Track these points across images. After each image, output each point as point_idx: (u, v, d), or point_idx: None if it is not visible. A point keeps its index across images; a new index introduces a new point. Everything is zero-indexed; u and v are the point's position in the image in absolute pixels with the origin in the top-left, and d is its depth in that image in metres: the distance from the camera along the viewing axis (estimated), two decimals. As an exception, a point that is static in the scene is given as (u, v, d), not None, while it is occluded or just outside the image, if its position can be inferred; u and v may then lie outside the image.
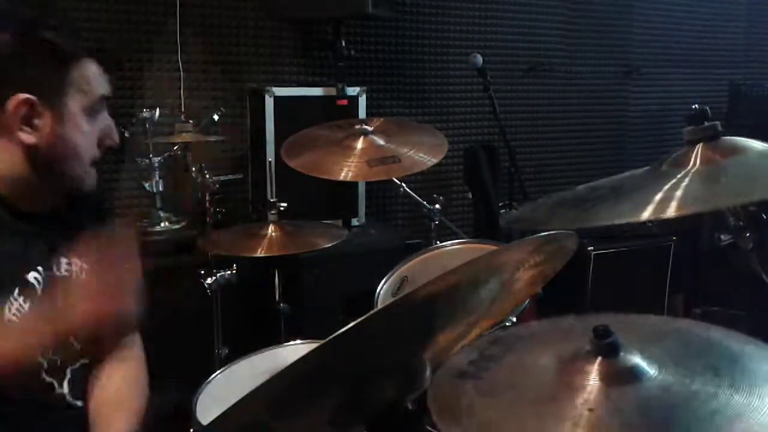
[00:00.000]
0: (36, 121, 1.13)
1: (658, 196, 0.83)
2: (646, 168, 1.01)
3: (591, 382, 0.76)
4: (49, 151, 1.15)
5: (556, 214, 0.99)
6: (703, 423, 0.71)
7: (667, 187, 0.86)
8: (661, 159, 0.97)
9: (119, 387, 1.31)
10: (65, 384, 1.26)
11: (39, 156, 1.15)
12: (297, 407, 0.71)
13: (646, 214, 0.81)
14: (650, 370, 0.78)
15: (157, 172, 2.49)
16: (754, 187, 0.83)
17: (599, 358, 0.78)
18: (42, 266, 1.20)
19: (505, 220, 1.29)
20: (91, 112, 1.19)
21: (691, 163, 0.91)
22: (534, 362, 0.85)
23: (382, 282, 1.85)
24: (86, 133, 1.19)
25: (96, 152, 1.23)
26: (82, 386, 1.30)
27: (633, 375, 0.77)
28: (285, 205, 2.04)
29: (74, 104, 1.16)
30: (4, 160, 1.15)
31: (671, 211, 0.79)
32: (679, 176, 0.88)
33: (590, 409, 0.73)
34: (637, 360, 0.79)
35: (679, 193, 0.83)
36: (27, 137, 1.13)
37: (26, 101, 1.11)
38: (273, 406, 0.68)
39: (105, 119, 1.24)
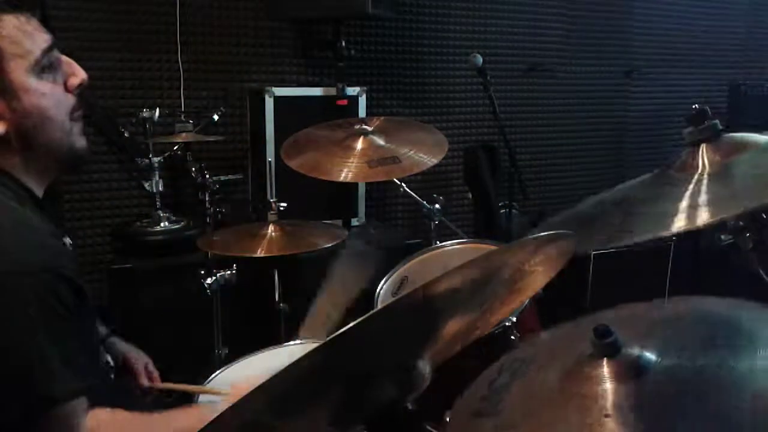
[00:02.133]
0: None
1: (684, 205, 0.83)
2: (652, 174, 1.00)
3: (601, 386, 0.76)
4: (22, 130, 1.10)
5: (583, 238, 0.96)
6: (717, 395, 0.71)
7: (687, 195, 0.85)
8: (667, 163, 0.97)
9: None
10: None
11: (16, 139, 1.10)
12: (297, 406, 0.71)
13: (678, 226, 0.80)
14: (653, 358, 0.78)
15: (157, 172, 2.48)
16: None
17: (604, 359, 0.78)
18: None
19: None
20: (41, 70, 1.10)
21: (700, 166, 0.91)
22: (542, 381, 0.84)
23: (382, 282, 1.85)
24: (47, 93, 1.11)
25: (70, 101, 1.15)
26: None
27: (639, 368, 0.77)
28: (285, 205, 2.04)
29: (17, 73, 1.07)
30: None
31: (702, 220, 0.78)
32: (694, 182, 0.88)
33: (607, 415, 0.73)
34: (639, 352, 0.78)
35: (702, 198, 0.83)
36: None
37: None
38: (273, 405, 0.67)
39: (61, 65, 1.14)
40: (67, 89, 1.15)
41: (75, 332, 1.05)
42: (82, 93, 1.19)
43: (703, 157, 0.91)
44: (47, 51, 1.11)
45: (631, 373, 0.76)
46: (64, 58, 1.16)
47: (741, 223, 1.04)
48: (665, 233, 0.82)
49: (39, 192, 1.18)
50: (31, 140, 1.12)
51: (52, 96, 1.12)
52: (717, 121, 0.95)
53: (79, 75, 1.17)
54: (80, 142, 1.19)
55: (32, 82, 1.09)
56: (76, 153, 1.18)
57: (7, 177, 1.12)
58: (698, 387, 0.73)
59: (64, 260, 1.07)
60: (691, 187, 0.86)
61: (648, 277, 2.98)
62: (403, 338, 0.76)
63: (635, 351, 0.78)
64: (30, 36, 1.09)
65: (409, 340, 0.77)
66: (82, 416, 1.03)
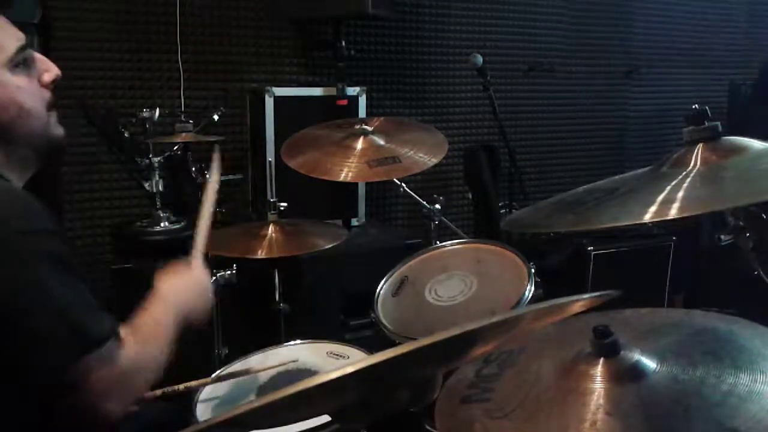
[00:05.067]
0: None
1: (660, 198, 0.83)
2: (646, 168, 1.01)
3: (598, 384, 0.76)
4: (0, 123, 1.11)
5: (556, 216, 0.98)
6: (719, 407, 0.71)
7: (668, 188, 0.86)
8: (662, 159, 0.97)
9: None
10: None
11: None
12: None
13: (648, 216, 0.80)
14: (653, 364, 0.78)
15: (157, 172, 2.48)
16: (756, 188, 0.82)
17: (602, 359, 0.78)
18: None
19: (505, 222, 1.29)
20: (15, 65, 1.12)
21: (692, 163, 0.91)
22: (536, 373, 0.84)
23: (382, 282, 1.85)
24: (24, 87, 1.13)
25: (45, 94, 1.18)
26: None
27: (638, 371, 0.77)
28: (285, 205, 2.04)
29: None
30: None
31: (673, 213, 0.78)
32: (680, 177, 0.88)
33: (608, 413, 0.73)
34: (638, 356, 0.78)
35: (680, 194, 0.83)
36: None
37: None
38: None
39: (34, 62, 1.17)
40: (41, 85, 1.17)
41: (81, 282, 1.08)
42: (57, 87, 1.20)
43: (698, 156, 0.91)
44: (21, 49, 1.13)
45: (629, 375, 0.76)
46: (37, 55, 1.18)
47: (741, 223, 1.04)
48: (632, 223, 0.83)
49: (19, 185, 1.19)
50: (9, 133, 1.13)
51: (28, 90, 1.14)
52: (718, 123, 0.95)
53: (52, 71, 1.19)
54: (57, 130, 1.21)
55: (7, 76, 1.11)
56: (54, 142, 1.21)
57: None
58: (700, 395, 0.73)
59: (53, 220, 1.10)
60: (675, 182, 0.86)
61: (648, 277, 2.98)
62: (435, 357, 0.75)
63: (635, 355, 0.78)
64: (4, 32, 1.12)
65: (440, 358, 0.77)
66: (119, 350, 1.06)
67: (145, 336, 1.16)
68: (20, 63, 1.13)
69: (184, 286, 1.32)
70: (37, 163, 1.21)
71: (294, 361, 1.64)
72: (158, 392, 1.43)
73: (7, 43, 1.11)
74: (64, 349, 1.00)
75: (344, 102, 2.75)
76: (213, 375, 1.60)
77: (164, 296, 1.26)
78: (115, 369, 1.05)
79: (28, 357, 1.00)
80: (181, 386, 1.49)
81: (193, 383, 1.52)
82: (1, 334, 0.97)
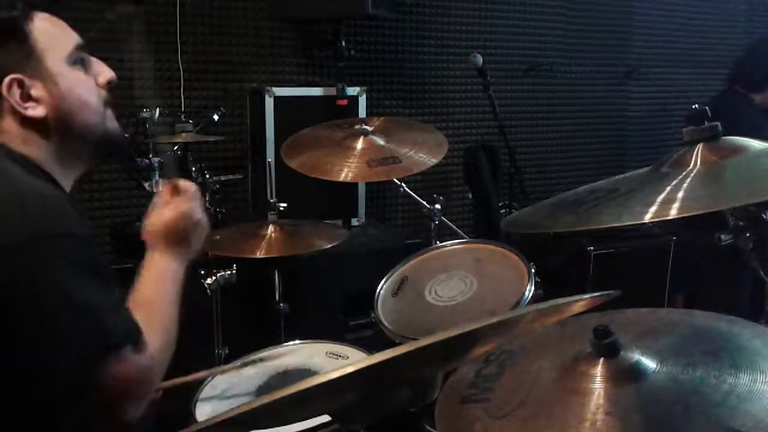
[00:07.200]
0: (33, 93, 1.12)
1: (660, 198, 0.83)
2: (646, 168, 1.01)
3: (598, 384, 0.76)
4: (60, 113, 1.15)
5: (556, 217, 0.98)
6: (719, 406, 0.71)
7: (668, 188, 0.86)
8: (662, 159, 0.97)
9: None
10: None
11: (54, 123, 1.15)
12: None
13: (648, 216, 0.80)
14: (653, 364, 0.78)
15: (157, 172, 2.48)
16: (755, 188, 0.83)
17: (601, 359, 0.78)
18: None
19: (505, 222, 1.29)
20: (75, 61, 1.18)
21: (692, 163, 0.91)
22: (536, 373, 0.84)
23: (382, 282, 1.85)
24: (82, 81, 1.18)
25: (102, 93, 1.22)
26: None
27: (638, 371, 0.77)
28: (285, 205, 2.04)
29: (54, 62, 1.14)
30: (31, 148, 1.14)
31: (673, 213, 0.79)
32: (680, 177, 0.88)
33: (608, 413, 0.73)
34: (638, 356, 0.78)
35: (680, 194, 0.83)
36: (34, 111, 1.13)
37: (12, 81, 1.10)
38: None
39: (92, 63, 1.23)
40: (97, 84, 1.22)
41: (108, 285, 1.09)
42: (113, 89, 1.25)
43: (698, 156, 0.91)
44: (79, 47, 1.19)
45: (629, 375, 0.76)
46: (93, 58, 1.24)
47: (741, 223, 1.04)
48: (632, 223, 0.83)
49: (66, 185, 1.21)
50: (68, 124, 1.16)
51: (86, 85, 1.19)
52: (718, 123, 0.95)
53: (107, 73, 1.24)
54: (114, 124, 1.25)
55: (67, 69, 1.16)
56: (111, 136, 1.24)
57: (37, 169, 1.15)
58: (700, 395, 0.73)
59: (82, 223, 1.11)
60: (675, 182, 0.87)
61: (648, 277, 2.97)
62: (435, 357, 0.75)
63: (634, 355, 0.78)
64: (63, 31, 1.18)
65: (440, 358, 0.77)
66: (139, 351, 1.07)
67: (155, 326, 1.17)
68: (78, 61, 1.18)
69: (174, 237, 1.37)
70: (89, 160, 1.25)
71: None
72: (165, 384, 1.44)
73: (65, 42, 1.17)
74: (84, 349, 1.01)
75: (344, 102, 2.75)
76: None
77: (160, 270, 1.35)
78: (135, 369, 1.05)
79: (48, 356, 1.00)
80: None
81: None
82: (22, 335, 0.98)
